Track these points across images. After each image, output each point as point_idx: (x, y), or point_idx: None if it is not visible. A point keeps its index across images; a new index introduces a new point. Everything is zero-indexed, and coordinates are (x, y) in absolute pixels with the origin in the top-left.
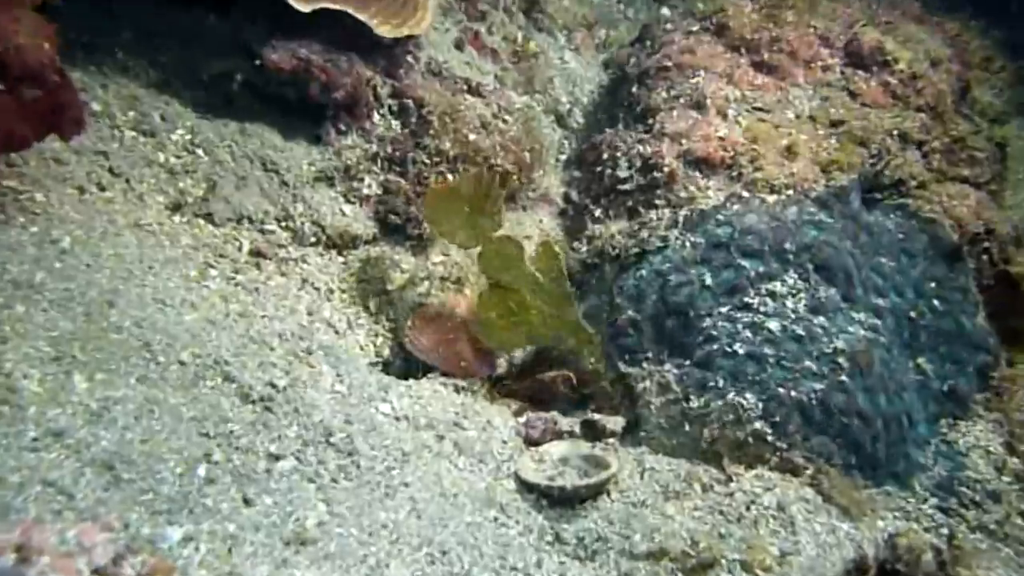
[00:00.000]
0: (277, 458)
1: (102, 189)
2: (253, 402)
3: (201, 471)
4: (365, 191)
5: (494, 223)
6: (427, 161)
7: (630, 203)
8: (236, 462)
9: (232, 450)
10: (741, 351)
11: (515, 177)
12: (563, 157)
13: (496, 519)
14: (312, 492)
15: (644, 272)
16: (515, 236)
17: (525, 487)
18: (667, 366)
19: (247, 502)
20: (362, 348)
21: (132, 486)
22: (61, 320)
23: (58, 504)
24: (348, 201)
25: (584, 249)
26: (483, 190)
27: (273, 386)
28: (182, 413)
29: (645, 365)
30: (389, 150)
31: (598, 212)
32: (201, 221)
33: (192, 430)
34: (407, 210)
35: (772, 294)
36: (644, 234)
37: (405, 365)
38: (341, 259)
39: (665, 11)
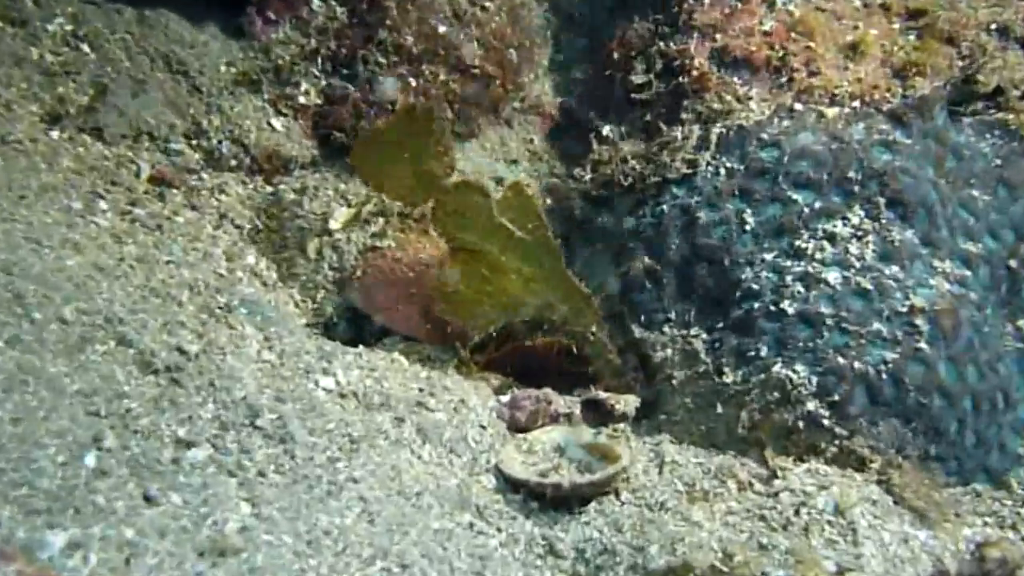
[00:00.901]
0: (188, 445)
1: None
2: (156, 372)
3: (90, 460)
4: (301, 100)
5: (443, 167)
6: (382, 61)
7: (648, 117)
8: (135, 449)
9: (129, 434)
10: (790, 310)
11: (498, 83)
12: (560, 56)
13: (472, 525)
14: (233, 489)
15: (666, 207)
16: (476, 179)
17: (509, 484)
18: (694, 329)
19: (149, 501)
20: (297, 305)
21: (2, 479)
22: None
23: None
24: (279, 113)
25: (587, 178)
26: (423, 127)
27: (181, 352)
28: (65, 386)
29: (666, 328)
30: (332, 46)
31: (606, 129)
32: (87, 138)
33: (78, 408)
34: (355, 125)
35: (831, 236)
36: (666, 157)
37: (353, 327)
38: (270, 188)
39: None
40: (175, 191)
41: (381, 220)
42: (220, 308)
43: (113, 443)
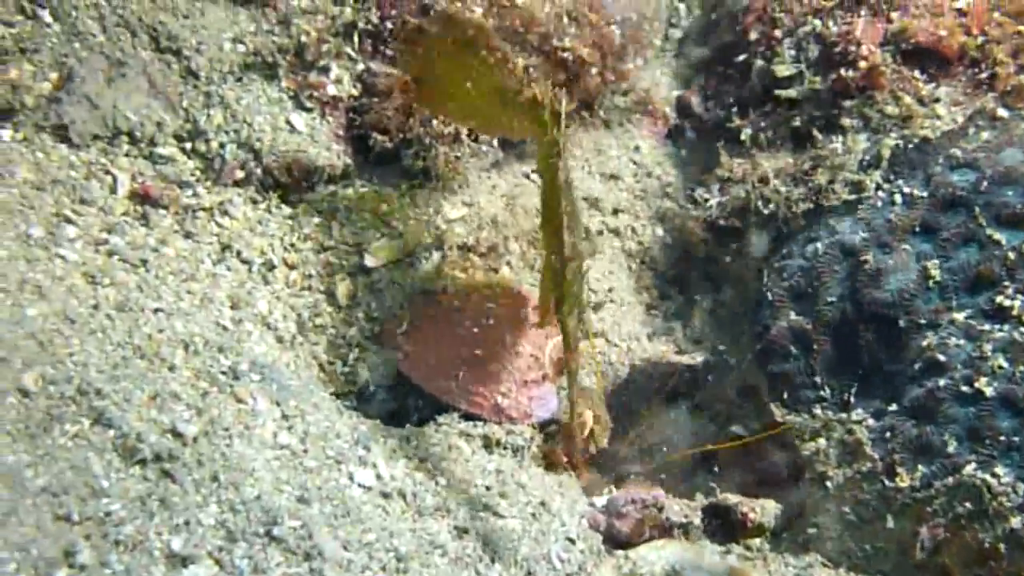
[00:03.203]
0: (184, 561)
1: None
2: (143, 463)
3: None
4: (331, 90)
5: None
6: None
7: (797, 121)
8: (116, 567)
9: (110, 546)
10: (989, 391)
11: (594, 70)
12: (677, 34)
13: None
14: None
15: (820, 245)
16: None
17: None
18: (857, 413)
19: None
20: (323, 368)
21: None
22: None
23: None
24: (301, 107)
25: (713, 202)
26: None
27: (175, 435)
28: (26, 479)
29: (818, 410)
30: (373, 17)
31: (742, 135)
32: (48, 139)
33: (44, 510)
34: (404, 123)
35: None
36: (821, 178)
37: (396, 399)
38: (288, 210)
39: None
40: (163, 212)
41: (436, 254)
42: (224, 374)
43: (89, 559)
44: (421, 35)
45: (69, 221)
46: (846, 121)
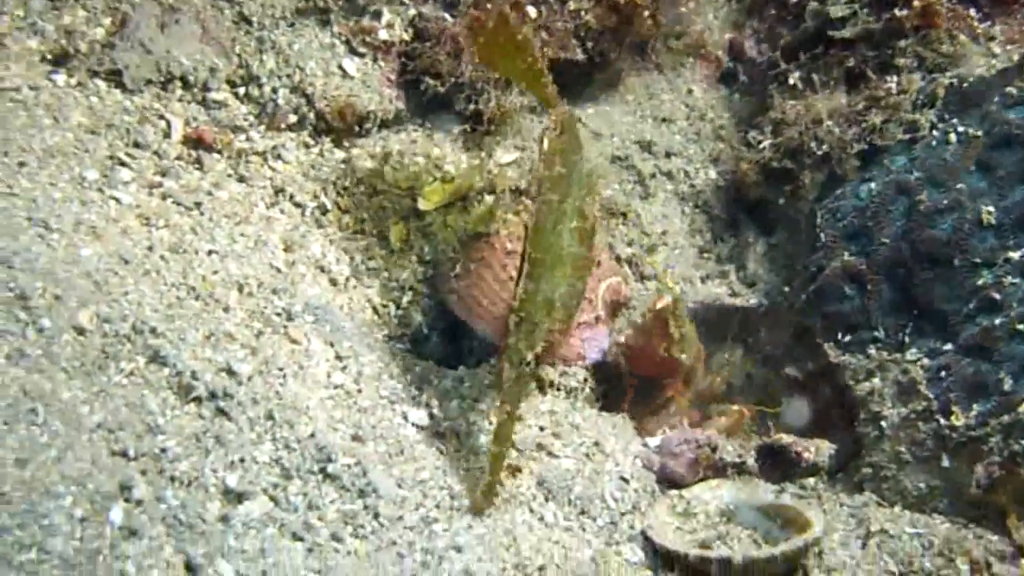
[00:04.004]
0: (239, 497)
1: None
2: (198, 400)
3: (116, 515)
4: (383, 35)
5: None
6: None
7: (851, 62)
8: (172, 502)
9: (165, 481)
10: None
11: (646, 12)
12: None
13: None
14: (300, 557)
15: (875, 185)
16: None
17: (660, 558)
18: (912, 352)
19: (192, 571)
20: (377, 311)
21: (3, 537)
22: None
23: None
24: (353, 52)
25: (766, 144)
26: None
27: (230, 373)
28: (82, 416)
29: (873, 351)
30: None
31: (793, 77)
32: (102, 84)
33: (100, 446)
34: (455, 68)
35: None
36: (875, 118)
37: (449, 341)
38: (341, 154)
39: None
40: (217, 156)
41: (489, 198)
42: (278, 315)
43: (145, 493)
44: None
45: (123, 164)
46: (900, 61)
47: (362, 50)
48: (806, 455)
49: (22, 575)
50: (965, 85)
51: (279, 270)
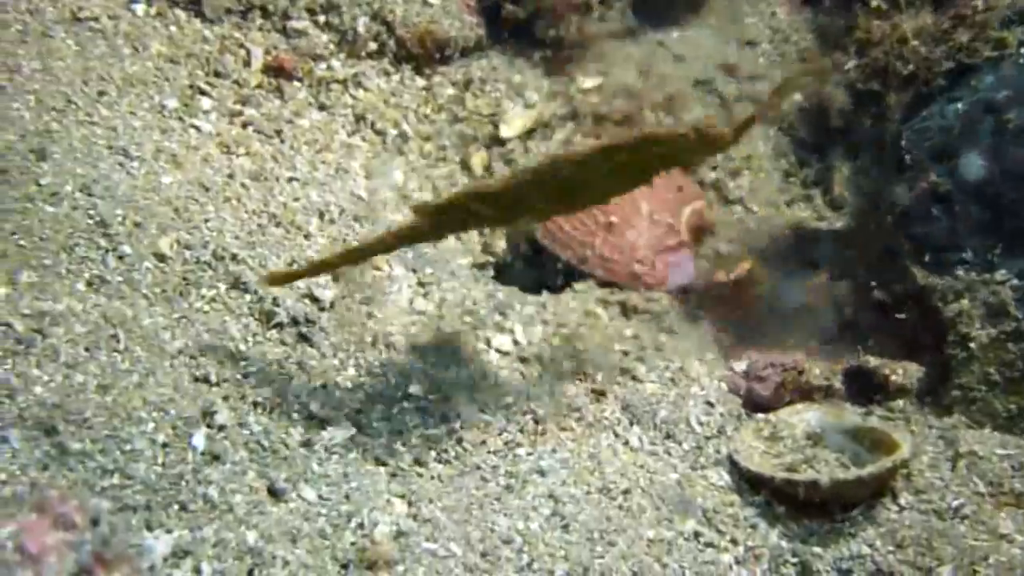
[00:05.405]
0: (323, 423)
1: None
2: (280, 326)
3: (199, 441)
4: None
5: None
6: None
7: None
8: (255, 427)
9: (248, 407)
10: None
11: None
12: None
13: (697, 535)
14: (383, 481)
15: (962, 105)
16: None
17: (747, 482)
18: (1002, 273)
19: (275, 495)
20: (459, 238)
21: (86, 463)
22: None
23: None
24: None
25: (852, 64)
26: None
27: (313, 299)
28: (164, 342)
29: (961, 272)
30: None
31: None
32: (182, 13)
33: (182, 372)
34: None
35: None
36: (962, 36)
37: (533, 268)
38: (422, 81)
39: None
40: (297, 85)
41: (571, 125)
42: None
43: (228, 419)
44: None
45: (203, 93)
46: None
47: None
48: (894, 377)
49: (107, 501)
50: None
51: (360, 197)
